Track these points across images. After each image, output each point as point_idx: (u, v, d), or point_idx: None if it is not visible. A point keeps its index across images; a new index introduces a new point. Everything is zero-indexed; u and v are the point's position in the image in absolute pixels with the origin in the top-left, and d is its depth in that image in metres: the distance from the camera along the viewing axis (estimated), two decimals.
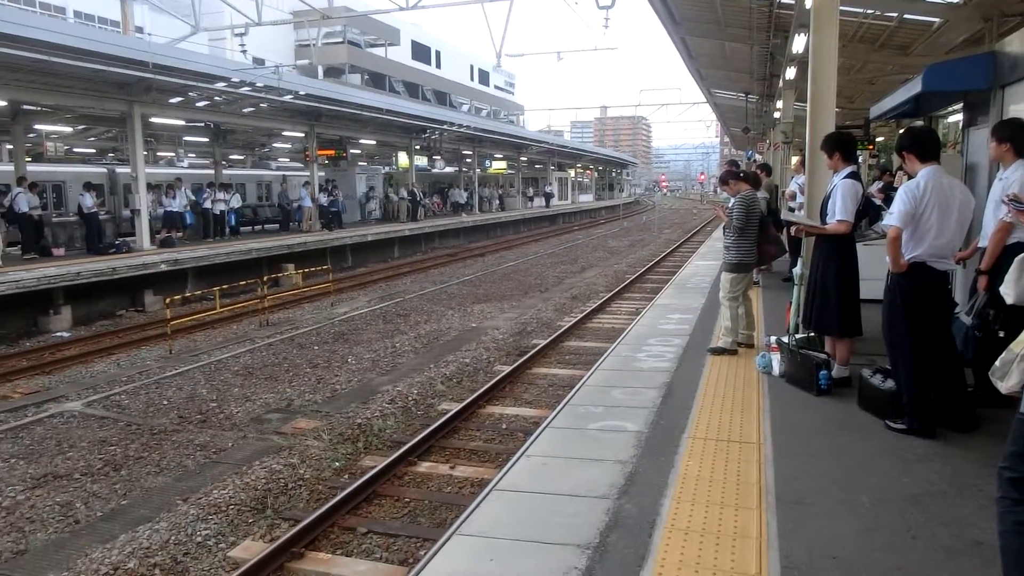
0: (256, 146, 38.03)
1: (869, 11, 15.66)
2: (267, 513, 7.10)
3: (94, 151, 35.53)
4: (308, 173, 30.62)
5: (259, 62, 31.57)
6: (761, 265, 10.72)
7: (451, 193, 44.70)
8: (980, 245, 5.92)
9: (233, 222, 27.49)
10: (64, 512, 7.37)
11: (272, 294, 19.12)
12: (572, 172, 71.58)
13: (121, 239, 21.84)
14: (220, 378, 12.19)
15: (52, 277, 16.28)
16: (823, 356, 6.89)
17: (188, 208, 24.80)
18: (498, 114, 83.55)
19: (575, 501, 4.87)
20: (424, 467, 8.06)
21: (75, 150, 34.43)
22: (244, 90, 22.32)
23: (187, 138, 32.63)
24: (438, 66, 72.33)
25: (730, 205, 8.66)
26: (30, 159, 25.67)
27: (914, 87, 9.30)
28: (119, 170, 28.95)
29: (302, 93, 24.22)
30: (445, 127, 36.37)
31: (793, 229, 8.26)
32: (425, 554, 4.71)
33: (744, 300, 8.71)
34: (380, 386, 11.47)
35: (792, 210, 12.11)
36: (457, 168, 48.76)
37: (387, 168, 43.95)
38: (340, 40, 55.10)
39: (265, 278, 18.78)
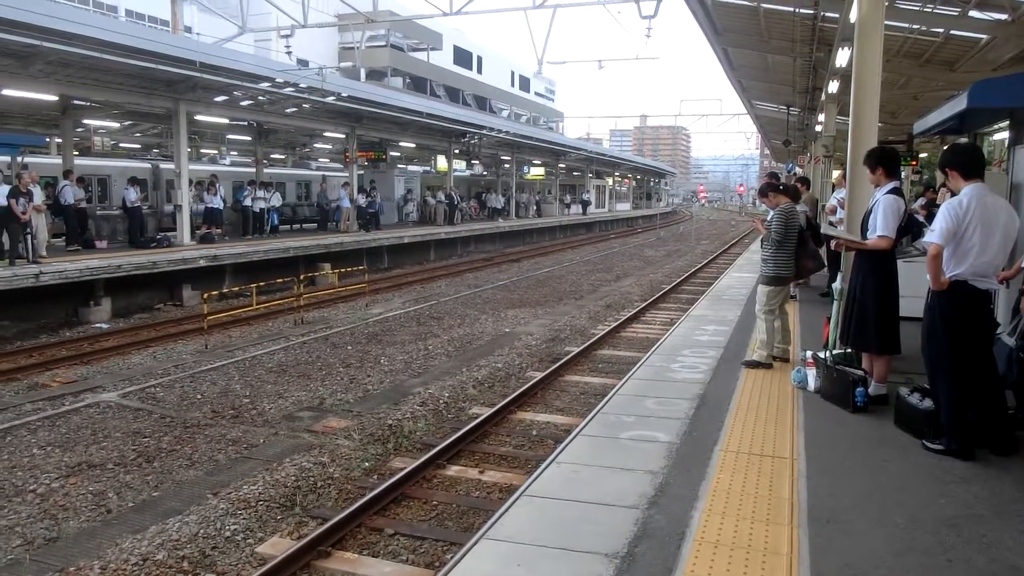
0: (297, 146, 38.32)
1: (915, 26, 15.50)
2: (296, 511, 7.13)
3: (139, 147, 36.00)
4: (347, 174, 30.81)
5: (303, 63, 31.91)
6: (799, 279, 10.62)
7: (487, 198, 44.64)
8: None
9: (276, 221, 27.68)
10: (97, 501, 7.45)
11: (308, 293, 19.27)
12: (610, 180, 71.42)
13: (162, 234, 22.13)
14: (254, 374, 12.30)
15: (94, 269, 16.54)
16: (860, 373, 6.80)
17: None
18: (538, 120, 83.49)
19: (604, 510, 4.85)
20: (453, 471, 8.06)
21: (121, 145, 34.91)
22: (288, 91, 22.51)
23: (230, 136, 32.95)
24: (479, 71, 72.49)
25: (769, 218, 8.60)
26: (78, 153, 26.03)
27: (960, 103, 9.16)
28: (163, 166, 29.34)
29: (344, 95, 24.37)
30: (484, 132, 36.43)
31: (833, 243, 8.18)
32: (452, 558, 4.70)
33: (780, 314, 8.63)
34: (412, 388, 11.50)
35: (833, 224, 11.99)
36: (495, 173, 48.77)
37: (426, 169, 44.11)
38: (383, 44, 55.41)
39: (301, 277, 18.95)
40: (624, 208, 74.99)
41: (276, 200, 27.78)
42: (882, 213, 6.51)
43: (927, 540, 4.30)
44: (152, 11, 48.13)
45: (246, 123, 28.51)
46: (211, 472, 8.25)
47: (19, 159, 23.44)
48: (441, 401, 10.65)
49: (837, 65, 15.59)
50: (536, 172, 56.31)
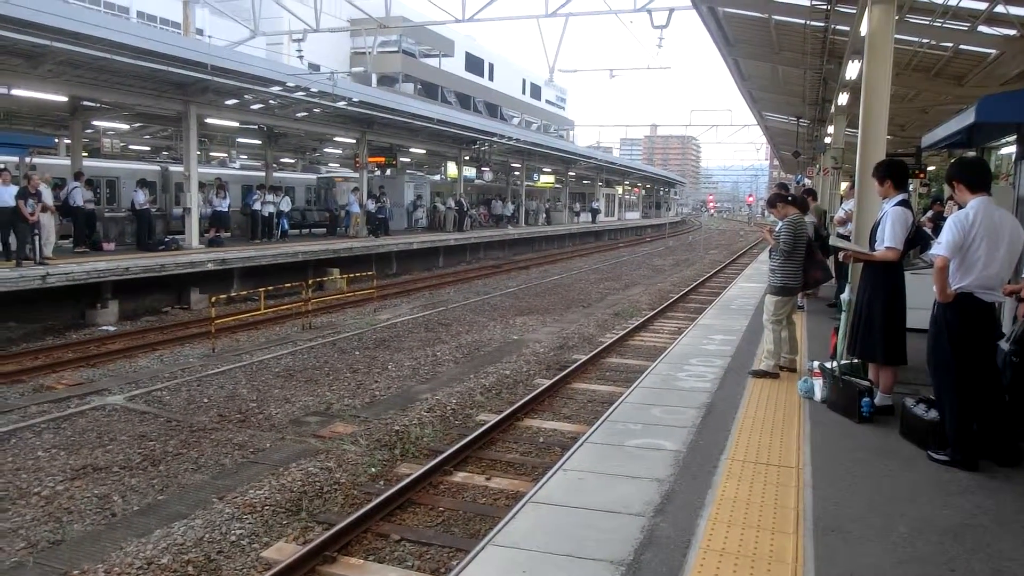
0: (307, 150, 38.42)
1: (924, 40, 15.53)
2: (302, 515, 7.15)
3: (148, 149, 36.14)
4: (355, 177, 30.89)
5: (314, 68, 31.92)
6: (806, 290, 10.64)
7: (494, 205, 44.64)
8: None
9: (286, 226, 27.72)
10: (101, 504, 7.46)
11: (316, 297, 19.33)
12: (620, 189, 71.46)
13: (171, 236, 22.19)
14: (261, 379, 12.33)
15: (102, 271, 16.59)
16: (866, 383, 6.83)
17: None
18: (548, 128, 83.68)
19: (610, 517, 4.88)
20: (460, 477, 8.09)
21: (130, 147, 35.03)
22: (299, 95, 22.62)
23: (240, 140, 33.06)
24: (491, 78, 72.66)
25: (777, 228, 8.63)
26: (86, 154, 26.15)
27: (968, 117, 9.19)
28: (172, 168, 29.46)
29: (355, 100, 24.47)
30: (495, 139, 36.52)
31: (841, 255, 8.20)
32: (458, 564, 4.73)
33: (788, 324, 8.66)
34: (419, 394, 11.53)
35: (841, 236, 12.02)
36: (505, 180, 48.84)
37: (437, 177, 44.18)
38: (395, 49, 55.59)
39: (310, 281, 18.99)
40: (633, 217, 74.98)
41: (286, 205, 27.83)
42: (890, 225, 6.54)
43: (930, 550, 4.32)
44: (164, 13, 48.37)
45: (256, 127, 28.62)
46: (217, 476, 8.27)
47: (27, 160, 23.54)
48: (448, 407, 10.68)
49: (847, 78, 15.62)
50: (546, 180, 56.37)
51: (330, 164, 43.23)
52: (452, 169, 39.63)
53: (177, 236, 22.25)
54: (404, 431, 9.55)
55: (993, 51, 14.98)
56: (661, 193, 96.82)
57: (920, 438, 5.97)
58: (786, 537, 4.51)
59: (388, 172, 36.49)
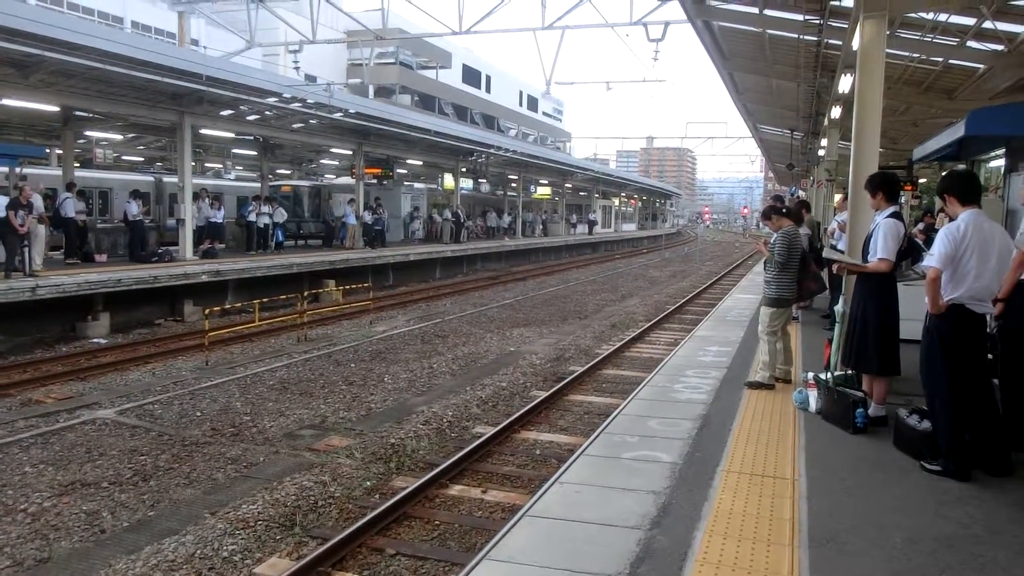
0: (303, 161, 38.41)
1: (915, 55, 15.66)
2: (295, 530, 7.09)
3: (142, 159, 36.03)
4: (344, 185, 30.92)
5: (311, 79, 32.01)
6: (801, 301, 10.68)
7: (488, 216, 44.53)
8: None
9: (281, 237, 27.68)
10: (90, 521, 7.35)
11: (311, 309, 19.31)
12: (616, 201, 71.59)
13: (164, 248, 22.13)
14: (255, 392, 12.28)
15: (93, 283, 16.44)
16: (860, 394, 6.87)
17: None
18: (545, 140, 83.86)
19: (607, 530, 4.90)
20: (456, 490, 8.08)
21: (124, 158, 34.92)
22: (295, 106, 22.61)
23: (235, 151, 33.03)
24: (488, 90, 72.83)
25: (772, 240, 8.68)
26: (79, 165, 26.08)
27: (958, 131, 9.28)
28: (165, 179, 29.39)
29: (352, 111, 24.48)
30: (492, 151, 36.58)
31: (835, 267, 8.25)
32: None
33: (783, 335, 8.70)
34: (415, 406, 11.52)
35: (835, 247, 12.07)
36: (502, 192, 48.90)
37: (432, 188, 44.15)
38: (392, 61, 55.72)
39: (305, 293, 18.97)
40: (630, 228, 75.10)
41: (280, 216, 27.80)
42: (882, 237, 6.59)
43: (924, 560, 4.35)
44: (159, 23, 48.42)
45: (252, 138, 28.63)
46: (209, 491, 8.19)
47: (18, 170, 23.49)
48: (445, 420, 10.68)
49: (840, 91, 15.72)
50: (543, 191, 56.40)
51: (326, 175, 43.14)
52: (449, 181, 39.65)
53: (171, 247, 22.17)
54: (400, 444, 9.54)
55: (982, 66, 15.12)
56: (657, 205, 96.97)
57: (913, 449, 6.01)
58: (782, 549, 4.54)
59: (385, 183, 36.52)
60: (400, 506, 7.42)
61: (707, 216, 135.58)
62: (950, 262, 5.41)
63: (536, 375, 13.61)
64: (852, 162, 8.94)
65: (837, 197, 19.74)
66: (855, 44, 9.55)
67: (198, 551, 6.64)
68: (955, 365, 5.50)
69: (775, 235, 8.64)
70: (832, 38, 15.11)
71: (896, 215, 6.74)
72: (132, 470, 8.71)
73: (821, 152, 24.62)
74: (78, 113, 21.86)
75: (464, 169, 38.71)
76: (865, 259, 6.88)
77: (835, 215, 15.13)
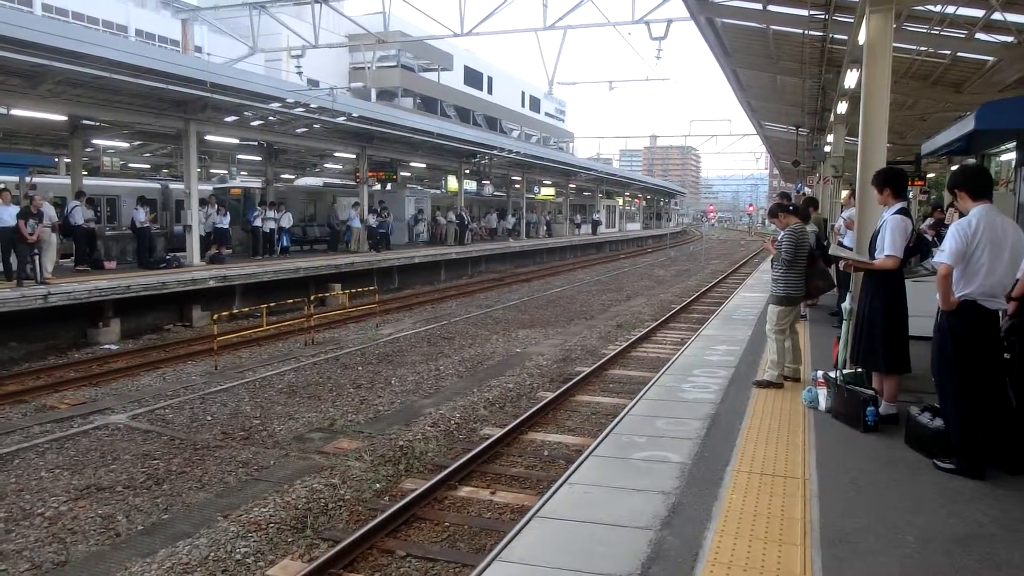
0: (307, 166, 38.46)
1: (922, 48, 15.55)
2: (307, 533, 7.13)
3: (149, 167, 36.10)
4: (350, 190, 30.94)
5: (314, 83, 32.11)
6: (809, 299, 10.63)
7: (488, 218, 44.34)
8: None
9: (287, 242, 27.64)
10: (106, 524, 7.44)
11: (318, 313, 19.32)
12: (620, 200, 71.54)
13: (172, 254, 22.18)
14: (264, 395, 12.32)
15: (103, 290, 16.54)
16: (870, 392, 6.81)
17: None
18: (548, 141, 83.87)
19: (617, 531, 4.86)
20: (465, 492, 8.08)
21: (130, 165, 35.00)
22: (298, 111, 22.64)
23: (240, 156, 33.09)
24: (490, 92, 72.90)
25: (779, 238, 8.63)
26: (86, 173, 26.15)
27: (967, 125, 9.21)
28: (172, 186, 29.43)
29: (355, 115, 24.48)
30: (495, 152, 36.55)
31: (841, 264, 8.20)
32: None
33: (791, 333, 8.65)
34: (423, 409, 11.52)
35: (841, 244, 12.01)
36: (506, 193, 48.89)
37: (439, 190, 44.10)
38: (394, 64, 55.84)
39: (312, 297, 18.98)
40: (634, 228, 75.04)
41: (287, 221, 27.80)
42: (889, 233, 6.54)
43: (938, 559, 4.31)
44: (163, 31, 48.66)
45: (256, 143, 28.65)
46: (221, 494, 8.25)
47: (28, 179, 23.56)
48: (452, 422, 10.67)
49: (846, 86, 15.63)
50: (547, 192, 56.38)
51: (330, 179, 43.10)
52: (452, 183, 39.64)
53: (178, 254, 22.22)
54: (408, 446, 9.54)
55: (991, 58, 15.00)
56: (661, 204, 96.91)
57: (926, 447, 5.96)
58: (793, 548, 4.50)
59: (388, 186, 36.54)
60: (410, 508, 7.42)
61: (712, 214, 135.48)
62: (961, 258, 5.35)
63: (543, 376, 13.58)
64: (859, 158, 8.89)
65: (844, 193, 19.68)
66: (861, 38, 9.48)
67: (211, 553, 6.69)
68: (967, 361, 5.44)
69: (782, 233, 8.60)
70: (837, 33, 15.03)
71: (903, 211, 6.69)
72: (145, 474, 8.79)
73: (827, 148, 24.52)
74: (85, 122, 21.92)
75: (467, 171, 38.71)
76: (872, 256, 6.84)
77: (842, 211, 15.07)
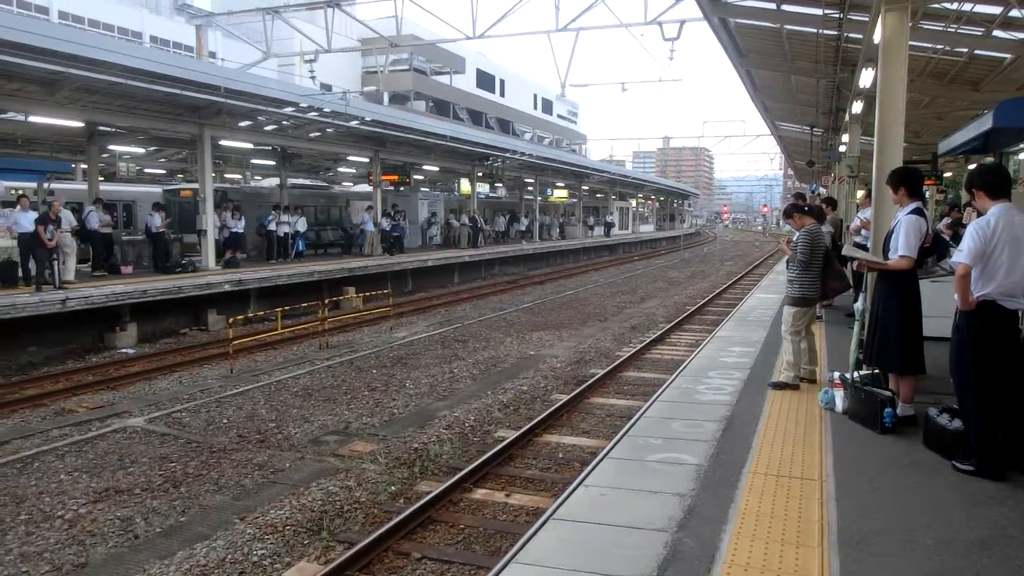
0: (321, 170, 38.60)
1: (939, 46, 15.45)
2: (323, 535, 7.15)
3: (164, 172, 36.32)
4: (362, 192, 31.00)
5: (327, 88, 32.23)
6: (825, 300, 10.57)
7: (497, 221, 43.95)
8: None
9: (301, 247, 27.70)
10: (124, 527, 7.50)
11: (332, 317, 19.37)
12: (633, 202, 71.43)
13: (187, 258, 22.28)
14: (279, 398, 12.36)
15: (120, 294, 16.66)
16: (888, 394, 6.76)
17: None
18: (560, 143, 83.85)
19: (633, 533, 4.84)
20: (480, 494, 8.07)
21: (146, 171, 35.21)
22: (311, 115, 22.72)
23: (254, 160, 33.24)
24: (502, 94, 72.92)
25: (794, 239, 8.59)
26: (103, 179, 26.31)
27: (985, 123, 9.16)
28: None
29: (368, 119, 24.55)
30: (508, 155, 36.56)
31: (855, 264, 8.15)
32: None
33: (807, 335, 8.60)
34: (437, 411, 11.53)
35: (857, 245, 11.94)
36: (519, 195, 48.90)
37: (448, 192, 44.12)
38: (406, 68, 55.93)
39: (326, 301, 19.03)
40: (648, 230, 74.90)
41: (302, 225, 27.86)
42: (904, 233, 6.49)
43: (958, 562, 4.26)
44: (177, 37, 48.93)
45: (270, 147, 28.76)
46: (238, 497, 8.29)
47: (46, 185, 23.73)
48: (467, 424, 10.67)
49: (861, 86, 15.54)
50: (559, 194, 56.31)
51: (344, 183, 43.20)
52: (465, 185, 39.66)
53: (193, 258, 22.33)
54: (423, 449, 9.55)
55: (1009, 55, 14.88)
56: (675, 205, 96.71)
57: (944, 448, 5.91)
58: (811, 551, 4.46)
59: (402, 190, 36.62)
60: (425, 510, 7.42)
61: (726, 215, 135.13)
62: (980, 258, 5.30)
63: (557, 378, 13.57)
64: (875, 157, 8.83)
65: (859, 193, 19.58)
66: (876, 37, 9.43)
67: (228, 556, 6.72)
68: (986, 362, 5.39)
69: (797, 234, 8.56)
70: (852, 32, 14.93)
71: (919, 211, 6.63)
72: (163, 477, 8.85)
73: (842, 148, 24.40)
74: (102, 128, 22.09)
75: (480, 174, 38.74)
76: (886, 256, 6.79)
77: (857, 212, 14.99)
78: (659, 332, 17.70)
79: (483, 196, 43.56)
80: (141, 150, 28.82)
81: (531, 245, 42.28)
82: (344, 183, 41.79)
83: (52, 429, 10.69)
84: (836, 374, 7.66)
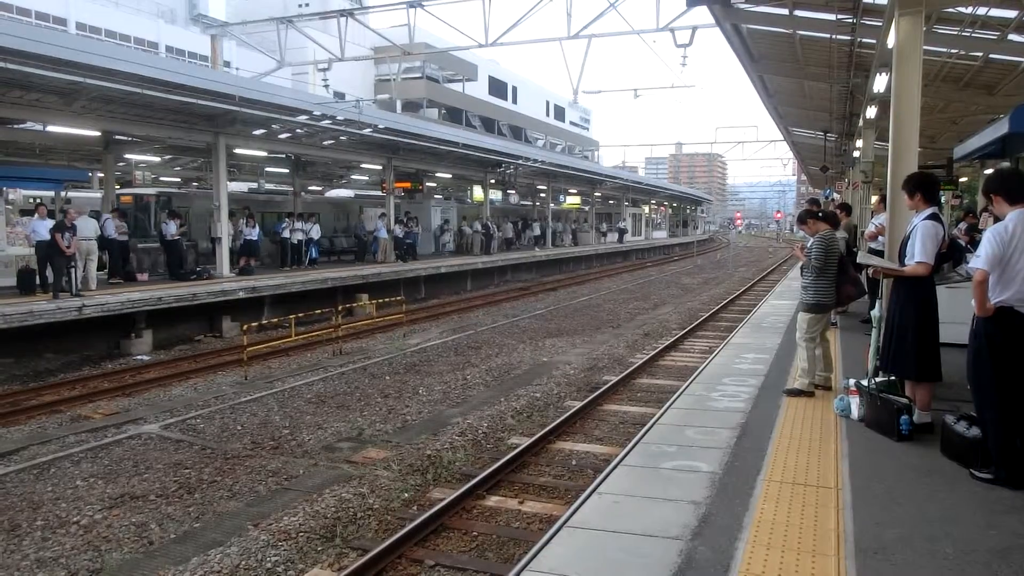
0: (334, 177, 38.72)
1: (953, 50, 15.38)
2: (336, 542, 7.14)
3: (179, 180, 36.51)
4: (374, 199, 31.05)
5: (340, 96, 32.25)
6: (839, 306, 10.51)
7: (503, 227, 43.37)
8: None
9: (315, 254, 27.69)
10: (139, 533, 7.52)
11: (346, 323, 19.39)
12: (646, 208, 71.37)
13: (202, 266, 22.37)
14: (293, 405, 12.38)
15: (135, 301, 16.75)
16: (904, 401, 6.70)
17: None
18: (573, 149, 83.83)
19: (647, 541, 4.81)
20: (493, 501, 8.05)
21: (161, 179, 35.41)
22: (325, 123, 22.81)
23: (268, 168, 33.38)
24: (514, 101, 72.95)
25: (809, 245, 8.55)
26: (119, 187, 26.47)
27: (1001, 128, 9.10)
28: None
29: (381, 127, 24.62)
30: (520, 162, 36.60)
31: (871, 271, 8.09)
32: None
33: (822, 341, 8.54)
34: (450, 418, 11.52)
35: (872, 251, 11.88)
36: (532, 202, 48.91)
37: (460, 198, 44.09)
38: (419, 75, 56.04)
39: (339, 307, 19.06)
40: (661, 236, 74.83)
41: (316, 232, 27.90)
42: (920, 239, 6.44)
43: (977, 571, 4.21)
44: (192, 47, 49.27)
45: (284, 155, 28.86)
46: (252, 503, 8.30)
47: (63, 194, 23.91)
48: (480, 431, 10.66)
49: (875, 91, 15.50)
50: (572, 201, 56.27)
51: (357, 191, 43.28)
52: (478, 192, 39.70)
53: (208, 265, 22.42)
54: (436, 455, 9.54)
55: None
56: (688, 211, 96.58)
57: (962, 456, 5.84)
58: (827, 560, 4.42)
59: (415, 197, 36.69)
60: (438, 517, 7.41)
61: (739, 221, 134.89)
62: (998, 263, 5.25)
63: (570, 385, 13.54)
64: (890, 162, 8.79)
65: (874, 199, 19.49)
66: (890, 42, 9.40)
67: (242, 562, 6.73)
68: (1004, 369, 5.34)
69: (811, 240, 8.52)
70: (866, 36, 14.89)
71: (934, 216, 6.58)
72: (177, 483, 8.87)
73: (856, 153, 24.33)
74: (118, 137, 22.27)
75: (493, 181, 38.77)
76: (902, 262, 6.74)
77: (872, 217, 14.92)
78: (673, 338, 17.65)
79: (496, 203, 43.57)
80: (157, 159, 28.98)
81: (544, 252, 42.26)
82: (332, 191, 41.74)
83: (68, 435, 10.74)
84: (852, 381, 7.60)
